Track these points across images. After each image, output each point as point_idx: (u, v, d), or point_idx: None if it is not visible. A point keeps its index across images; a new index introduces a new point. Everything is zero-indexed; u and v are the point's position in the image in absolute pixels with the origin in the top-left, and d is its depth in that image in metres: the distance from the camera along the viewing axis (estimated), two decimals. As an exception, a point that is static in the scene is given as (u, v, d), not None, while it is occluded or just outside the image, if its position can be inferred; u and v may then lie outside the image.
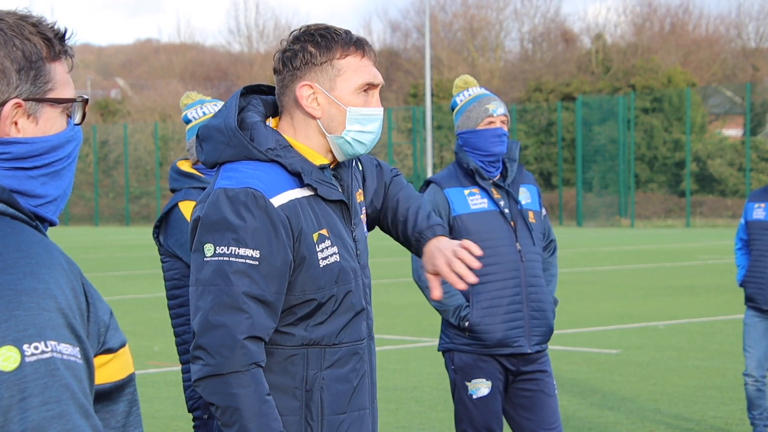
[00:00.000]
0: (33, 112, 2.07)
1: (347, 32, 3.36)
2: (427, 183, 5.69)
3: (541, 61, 56.59)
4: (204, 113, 5.14)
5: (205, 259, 3.21)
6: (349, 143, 3.37)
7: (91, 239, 40.23)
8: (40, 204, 2.09)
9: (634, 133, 45.68)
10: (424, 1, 49.68)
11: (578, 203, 46.11)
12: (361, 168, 3.62)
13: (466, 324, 5.46)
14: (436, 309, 5.58)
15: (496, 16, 59.61)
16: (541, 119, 49.27)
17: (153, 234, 5.02)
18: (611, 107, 46.64)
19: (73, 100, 2.12)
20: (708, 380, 10.59)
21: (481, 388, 5.51)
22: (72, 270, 1.98)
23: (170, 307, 5.01)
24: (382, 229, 3.79)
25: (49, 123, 2.09)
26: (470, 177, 5.59)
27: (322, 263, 3.28)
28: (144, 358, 12.08)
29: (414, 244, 3.63)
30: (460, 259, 3.47)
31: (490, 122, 5.54)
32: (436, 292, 3.52)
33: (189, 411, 4.99)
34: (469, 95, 5.62)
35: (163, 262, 5.00)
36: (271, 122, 3.46)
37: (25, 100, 2.05)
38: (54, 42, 2.09)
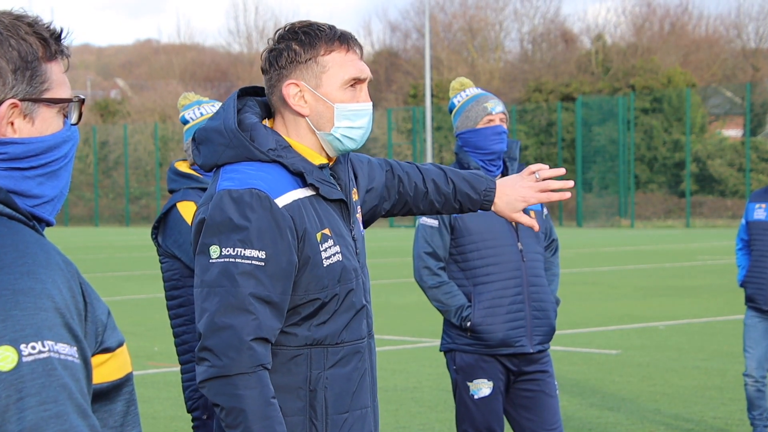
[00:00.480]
0: (29, 112, 2.07)
1: (331, 27, 3.34)
2: (430, 182, 5.68)
3: (540, 61, 56.59)
4: (201, 114, 5.14)
5: (210, 260, 3.20)
6: (338, 140, 3.36)
7: (91, 240, 40.23)
8: (37, 204, 2.09)
9: (633, 133, 45.69)
10: (424, 1, 49.69)
11: (578, 204, 46.11)
12: (352, 167, 3.62)
13: (468, 324, 5.46)
14: (438, 309, 5.58)
15: (496, 17, 59.63)
16: (540, 120, 49.29)
17: (151, 235, 5.01)
18: (611, 108, 46.65)
19: (69, 100, 2.12)
20: (708, 381, 10.58)
21: (482, 388, 5.51)
22: (69, 270, 1.98)
23: (169, 308, 5.00)
24: (405, 214, 3.79)
25: (46, 123, 2.09)
26: (472, 177, 5.58)
27: (325, 262, 3.28)
28: (144, 359, 12.08)
29: (477, 202, 3.72)
30: (541, 180, 3.66)
31: (490, 120, 5.54)
32: (537, 225, 3.74)
33: (188, 411, 4.98)
34: (467, 95, 5.62)
35: (161, 262, 5.00)
36: (267, 123, 3.45)
37: (21, 100, 2.05)
38: (50, 42, 2.08)
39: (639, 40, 55.12)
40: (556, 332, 5.84)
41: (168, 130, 55.80)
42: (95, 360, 2.00)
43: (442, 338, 5.65)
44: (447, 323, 5.59)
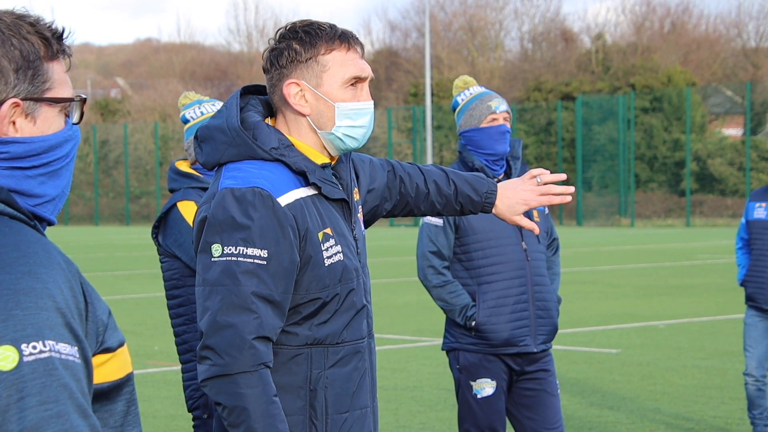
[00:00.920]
0: (31, 111, 2.07)
1: (332, 26, 3.34)
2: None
3: (540, 60, 56.58)
4: (202, 113, 5.13)
5: (212, 259, 3.20)
6: (340, 139, 3.36)
7: (91, 239, 40.24)
8: (39, 203, 2.09)
9: (633, 132, 45.69)
10: (424, 0, 49.68)
11: (578, 203, 46.11)
12: (353, 166, 3.62)
13: (473, 323, 5.46)
14: (442, 308, 5.58)
15: (496, 16, 59.63)
16: (540, 119, 49.28)
17: (152, 234, 5.01)
18: (611, 107, 46.65)
19: (71, 100, 2.12)
20: (708, 380, 10.58)
21: (485, 387, 5.51)
22: (70, 269, 1.98)
23: (170, 307, 5.00)
24: (406, 215, 3.80)
25: (47, 122, 2.09)
26: (475, 176, 5.57)
27: (327, 262, 3.28)
28: (144, 358, 12.08)
29: (479, 204, 3.73)
30: (542, 184, 3.68)
31: (494, 119, 5.54)
32: (537, 229, 3.75)
33: (189, 410, 4.98)
34: (471, 94, 5.61)
35: (162, 262, 5.00)
36: (269, 122, 3.45)
37: (23, 99, 2.05)
38: (52, 41, 2.08)
39: (639, 39, 55.12)
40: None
41: (168, 129, 55.80)
42: (96, 360, 2.00)
43: (445, 337, 5.64)
44: (450, 322, 5.59)
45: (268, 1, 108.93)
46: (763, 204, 7.89)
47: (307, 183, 3.30)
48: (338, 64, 3.31)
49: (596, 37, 56.11)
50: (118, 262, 27.12)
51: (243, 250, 3.18)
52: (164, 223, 4.96)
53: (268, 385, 3.17)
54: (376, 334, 13.65)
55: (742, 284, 7.97)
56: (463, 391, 5.56)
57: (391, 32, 64.94)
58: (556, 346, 9.66)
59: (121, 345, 2.07)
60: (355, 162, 3.61)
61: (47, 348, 1.86)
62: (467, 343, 5.52)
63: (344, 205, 3.39)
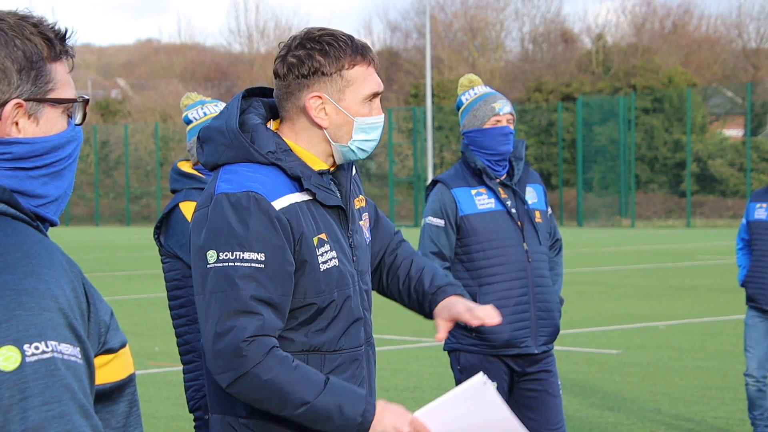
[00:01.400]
0: (34, 112, 2.07)
1: (351, 38, 3.34)
2: (434, 183, 5.69)
3: (541, 61, 56.58)
4: (205, 113, 5.13)
5: (208, 266, 3.19)
6: (353, 151, 3.38)
7: (91, 239, 40.24)
8: (41, 204, 2.09)
9: (634, 133, 45.69)
10: (424, 1, 49.69)
11: (579, 203, 46.11)
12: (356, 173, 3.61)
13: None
14: (444, 309, 5.57)
15: (497, 16, 59.62)
16: (541, 119, 49.28)
17: (154, 235, 5.01)
18: (612, 107, 46.65)
19: (73, 101, 2.12)
20: (708, 380, 10.58)
21: (487, 389, 5.50)
22: (73, 270, 1.98)
23: (171, 308, 5.00)
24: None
25: (50, 123, 2.09)
26: (477, 177, 5.58)
27: (322, 267, 3.27)
28: (144, 358, 12.08)
29: (426, 299, 3.63)
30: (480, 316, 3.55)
31: (497, 121, 5.53)
32: (442, 335, 3.55)
33: (190, 411, 4.98)
34: (475, 94, 5.61)
35: (163, 262, 5.00)
36: (272, 125, 3.44)
37: (26, 100, 2.05)
38: (55, 42, 2.08)
39: (640, 40, 55.12)
40: (557, 332, 5.84)
41: (169, 130, 55.80)
42: (98, 361, 2.01)
43: (446, 338, 5.64)
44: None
45: (269, 1, 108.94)
46: (764, 204, 7.89)
47: (302, 188, 3.30)
48: (360, 79, 3.33)
49: (597, 37, 56.11)
50: (118, 263, 27.13)
51: (239, 255, 3.17)
52: (166, 224, 4.96)
53: (284, 359, 3.16)
54: (377, 334, 13.67)
55: (742, 285, 7.97)
56: (463, 391, 5.56)
57: (391, 33, 64.99)
58: (556, 347, 9.66)
59: (123, 346, 2.07)
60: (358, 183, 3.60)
61: (49, 348, 1.86)
62: (468, 344, 5.52)
63: (340, 212, 3.38)
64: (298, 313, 3.27)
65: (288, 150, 3.32)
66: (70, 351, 1.89)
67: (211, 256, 3.19)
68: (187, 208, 4.87)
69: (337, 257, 3.31)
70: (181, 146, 53.85)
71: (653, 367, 11.37)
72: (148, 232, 43.40)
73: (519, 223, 5.55)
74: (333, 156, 3.39)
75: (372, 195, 51.27)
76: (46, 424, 1.83)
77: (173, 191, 5.07)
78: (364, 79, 3.33)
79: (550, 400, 5.57)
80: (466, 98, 5.63)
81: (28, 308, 1.87)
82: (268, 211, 3.20)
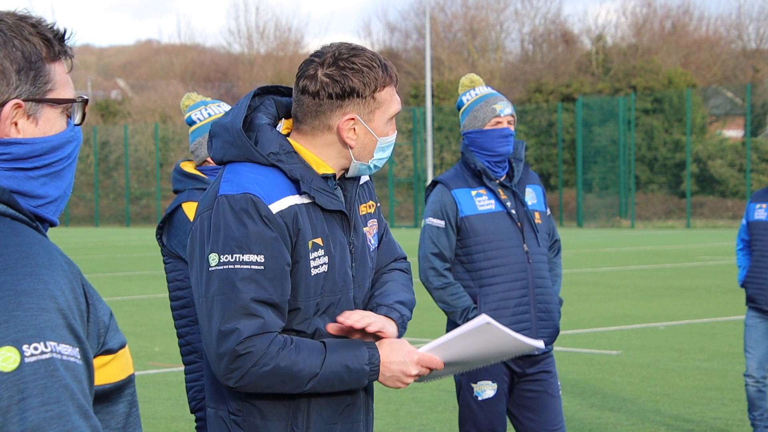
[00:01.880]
0: (33, 112, 2.07)
1: (378, 58, 3.34)
2: (434, 183, 5.68)
3: (541, 62, 56.59)
4: (209, 114, 5.13)
5: (210, 269, 3.20)
6: (370, 168, 3.40)
7: (91, 240, 40.24)
8: (41, 205, 2.09)
9: (634, 134, 45.70)
10: (424, 2, 49.70)
11: (578, 204, 46.12)
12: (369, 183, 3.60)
13: (475, 326, 5.45)
14: (444, 310, 5.58)
15: (497, 17, 59.63)
16: (541, 120, 49.28)
17: (156, 235, 5.01)
18: (611, 108, 46.66)
19: (72, 101, 2.12)
20: (708, 381, 10.58)
21: (486, 390, 5.51)
22: (72, 271, 1.98)
23: (173, 308, 5.00)
24: None
25: (49, 123, 2.09)
26: (477, 178, 5.58)
27: (313, 271, 3.27)
28: (144, 359, 12.07)
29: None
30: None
31: (498, 122, 5.53)
32: (333, 328, 3.34)
33: (192, 412, 4.98)
34: (476, 95, 5.60)
35: (165, 263, 4.99)
36: (283, 123, 3.44)
37: (25, 100, 2.05)
38: (53, 42, 2.08)
39: (639, 41, 55.13)
40: (557, 333, 5.84)
41: (168, 131, 55.80)
42: (97, 361, 2.00)
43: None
44: (451, 324, 5.58)
45: (269, 2, 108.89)
46: (764, 205, 7.89)
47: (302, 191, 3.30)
48: (388, 101, 3.34)
49: (597, 38, 56.12)
50: (118, 264, 27.13)
51: (239, 257, 3.18)
52: (169, 224, 4.96)
53: (283, 343, 3.19)
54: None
55: (742, 285, 7.97)
56: (463, 392, 5.56)
57: (391, 34, 65.00)
58: (556, 348, 9.67)
59: (122, 346, 2.07)
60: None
61: (49, 349, 1.86)
62: (468, 345, 5.52)
63: (343, 216, 3.37)
64: (291, 316, 3.29)
65: (291, 152, 3.31)
66: (69, 351, 1.89)
67: (213, 259, 3.20)
68: (190, 209, 4.87)
69: (328, 263, 3.30)
70: (181, 147, 53.85)
71: (653, 368, 11.37)
72: (147, 232, 43.43)
73: (519, 224, 5.55)
74: (345, 170, 3.40)
75: (372, 196, 51.23)
76: (45, 424, 1.83)
77: (176, 191, 5.07)
78: (392, 100, 3.35)
79: (549, 400, 5.57)
80: (467, 99, 5.62)
81: (27, 309, 1.87)
82: (265, 213, 3.21)
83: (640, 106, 46.53)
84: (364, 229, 3.46)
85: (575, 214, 46.86)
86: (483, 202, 5.56)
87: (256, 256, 3.19)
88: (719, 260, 24.97)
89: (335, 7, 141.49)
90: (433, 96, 49.67)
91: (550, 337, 5.59)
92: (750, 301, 7.90)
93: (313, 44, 74.09)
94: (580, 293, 18.32)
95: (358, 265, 3.40)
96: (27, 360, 1.84)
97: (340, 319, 3.30)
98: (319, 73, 3.28)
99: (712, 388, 10.24)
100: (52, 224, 2.12)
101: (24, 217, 2.01)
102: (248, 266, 3.18)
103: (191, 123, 5.16)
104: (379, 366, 3.26)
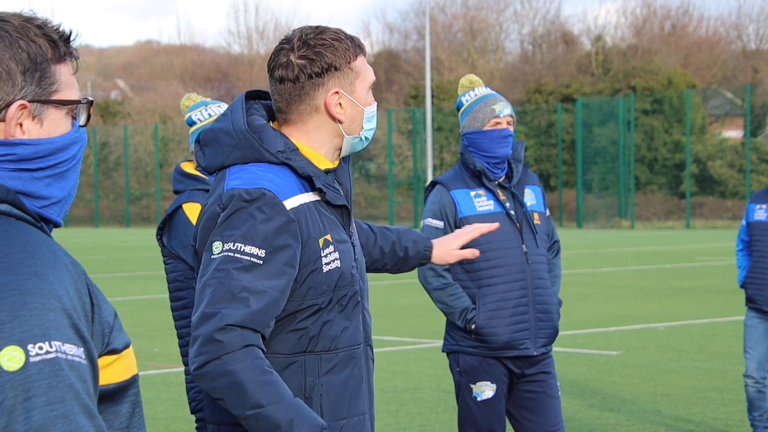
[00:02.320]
0: (38, 113, 2.07)
1: (342, 31, 3.38)
2: (433, 184, 5.69)
3: (541, 62, 56.59)
4: (210, 115, 5.13)
5: (212, 256, 3.20)
6: (361, 141, 3.43)
7: (91, 240, 40.23)
8: (45, 205, 2.09)
9: (634, 134, 45.69)
10: (424, 2, 49.69)
11: (578, 205, 46.12)
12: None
13: (473, 327, 5.46)
14: (442, 311, 5.58)
15: (496, 18, 59.62)
16: (541, 121, 49.28)
17: (156, 236, 5.01)
18: (611, 109, 46.66)
19: (77, 102, 2.13)
20: (708, 382, 10.59)
21: (485, 390, 5.51)
22: (77, 271, 1.99)
23: (173, 309, 5.00)
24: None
25: (54, 124, 2.10)
26: (476, 178, 5.58)
27: (325, 268, 3.27)
28: (144, 360, 12.08)
29: (409, 252, 3.98)
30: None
31: (497, 123, 5.53)
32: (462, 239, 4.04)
33: (192, 412, 4.99)
34: (475, 95, 5.60)
35: (166, 263, 5.00)
36: (272, 125, 3.45)
37: (30, 101, 2.06)
38: (59, 44, 2.09)
39: (639, 42, 55.12)
40: (557, 333, 5.85)
41: (168, 131, 55.79)
42: (102, 361, 2.01)
43: (445, 340, 5.64)
44: (450, 325, 5.59)
45: (269, 3, 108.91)
46: (764, 206, 7.90)
47: (311, 188, 3.30)
48: (364, 70, 3.38)
49: (596, 39, 56.11)
50: (118, 264, 27.13)
51: (241, 247, 3.17)
52: (169, 225, 4.96)
53: (258, 359, 3.11)
54: (377, 336, 13.67)
55: (742, 286, 7.98)
56: (463, 393, 5.57)
57: (390, 34, 64.97)
58: (556, 348, 9.68)
59: (126, 347, 2.08)
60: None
61: (53, 349, 1.87)
62: (467, 346, 5.53)
63: (344, 211, 3.40)
64: (299, 314, 3.27)
65: (296, 149, 3.33)
66: (73, 351, 1.89)
67: (217, 247, 3.20)
68: (190, 209, 4.87)
69: (339, 258, 3.31)
70: (180, 147, 53.83)
71: (653, 369, 11.37)
72: (147, 233, 43.41)
73: (518, 225, 5.56)
74: (339, 150, 3.42)
75: (372, 196, 51.29)
76: (50, 424, 1.83)
77: (176, 192, 5.07)
78: (367, 69, 3.40)
79: (549, 401, 5.57)
80: (466, 99, 5.62)
81: (32, 308, 1.88)
82: (279, 210, 3.21)
83: (640, 107, 46.53)
84: (353, 225, 3.51)
85: (575, 214, 46.85)
86: (482, 202, 5.56)
87: (257, 249, 3.18)
88: (719, 261, 24.97)
89: (335, 8, 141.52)
90: (432, 96, 49.65)
91: (549, 338, 5.60)
92: (750, 301, 7.91)
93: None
94: (579, 294, 18.33)
95: (359, 257, 3.42)
96: (32, 359, 1.85)
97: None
98: (292, 57, 3.31)
99: (712, 388, 10.25)
100: (57, 225, 2.13)
101: (29, 218, 2.02)
102: (248, 257, 3.17)
103: (191, 123, 5.17)
104: None
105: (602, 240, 36.00)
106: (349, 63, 3.34)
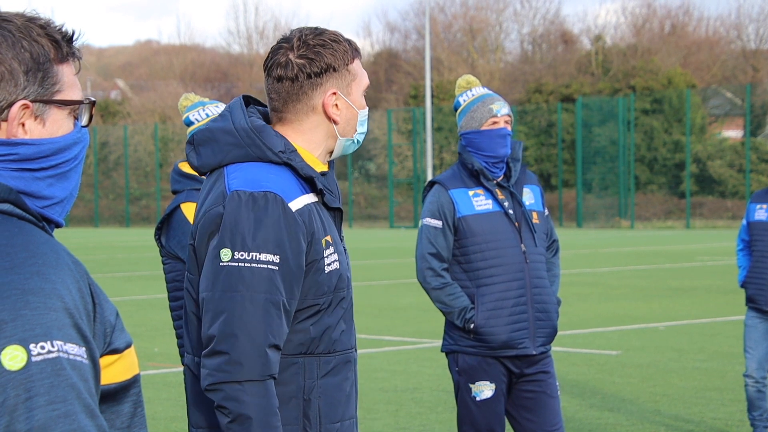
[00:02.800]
0: (40, 113, 2.07)
1: (340, 34, 3.38)
2: (431, 184, 5.69)
3: (540, 62, 56.59)
4: (207, 115, 5.13)
5: (221, 264, 3.17)
6: (354, 143, 3.43)
7: (91, 240, 40.23)
8: (47, 205, 2.09)
9: (634, 134, 45.70)
10: (424, 2, 49.70)
11: (578, 204, 46.12)
12: None
13: (472, 326, 5.46)
14: (441, 311, 5.58)
15: (496, 18, 59.63)
16: (541, 120, 49.29)
17: (155, 235, 5.01)
18: (611, 108, 46.67)
19: (80, 102, 2.13)
20: (708, 381, 10.59)
21: (484, 390, 5.51)
22: (78, 270, 1.99)
23: (172, 309, 5.01)
24: None
25: (56, 125, 2.10)
26: (474, 178, 5.58)
27: (327, 269, 3.27)
28: (144, 359, 12.07)
29: None
30: None
31: (494, 122, 5.54)
32: None
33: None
34: (473, 95, 5.61)
35: (164, 263, 5.00)
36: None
37: (32, 101, 2.06)
38: (62, 44, 2.09)
39: (639, 41, 55.13)
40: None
41: (168, 131, 55.80)
42: (103, 361, 2.01)
43: (444, 339, 5.64)
44: (449, 324, 5.59)
45: (268, 3, 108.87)
46: (765, 205, 7.90)
47: (310, 190, 3.30)
48: (360, 73, 3.39)
49: (596, 38, 56.12)
50: (118, 264, 27.13)
51: (256, 256, 3.15)
52: (167, 225, 4.96)
53: (273, 397, 3.16)
54: (377, 336, 13.69)
55: (742, 286, 7.98)
56: (462, 393, 5.57)
57: (390, 34, 64.98)
58: (556, 348, 9.68)
59: (128, 346, 2.08)
60: None
61: (55, 348, 1.87)
62: (466, 346, 5.53)
63: (338, 214, 3.40)
64: (300, 314, 3.27)
65: (295, 151, 3.32)
66: (75, 351, 1.89)
67: (225, 254, 3.17)
68: (189, 209, 4.87)
69: (338, 260, 3.32)
70: (180, 147, 53.83)
71: (653, 368, 11.38)
72: (147, 233, 43.41)
73: (516, 224, 5.56)
74: (330, 153, 3.42)
75: (371, 196, 51.30)
76: (52, 423, 1.83)
77: (174, 192, 5.07)
78: (362, 72, 3.40)
79: (548, 401, 5.57)
80: (463, 99, 5.63)
81: (34, 308, 1.88)
82: (286, 212, 3.20)
83: (640, 107, 46.54)
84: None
85: (575, 214, 46.86)
86: (480, 202, 5.56)
87: (272, 255, 3.16)
88: (719, 261, 24.97)
89: (335, 8, 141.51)
90: (432, 96, 49.66)
91: (548, 337, 5.59)
92: (750, 301, 7.91)
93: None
94: (579, 293, 18.33)
95: (348, 260, 3.43)
96: (34, 359, 1.85)
97: None
98: (292, 56, 3.31)
99: (711, 388, 10.25)
100: (58, 225, 2.13)
101: (31, 217, 2.02)
102: (265, 266, 3.16)
103: (189, 123, 5.17)
104: None
105: (602, 240, 36.00)
106: (347, 65, 3.34)
